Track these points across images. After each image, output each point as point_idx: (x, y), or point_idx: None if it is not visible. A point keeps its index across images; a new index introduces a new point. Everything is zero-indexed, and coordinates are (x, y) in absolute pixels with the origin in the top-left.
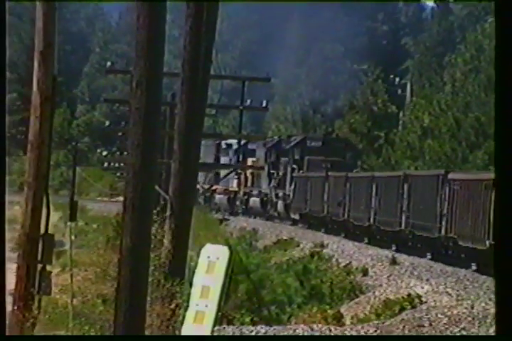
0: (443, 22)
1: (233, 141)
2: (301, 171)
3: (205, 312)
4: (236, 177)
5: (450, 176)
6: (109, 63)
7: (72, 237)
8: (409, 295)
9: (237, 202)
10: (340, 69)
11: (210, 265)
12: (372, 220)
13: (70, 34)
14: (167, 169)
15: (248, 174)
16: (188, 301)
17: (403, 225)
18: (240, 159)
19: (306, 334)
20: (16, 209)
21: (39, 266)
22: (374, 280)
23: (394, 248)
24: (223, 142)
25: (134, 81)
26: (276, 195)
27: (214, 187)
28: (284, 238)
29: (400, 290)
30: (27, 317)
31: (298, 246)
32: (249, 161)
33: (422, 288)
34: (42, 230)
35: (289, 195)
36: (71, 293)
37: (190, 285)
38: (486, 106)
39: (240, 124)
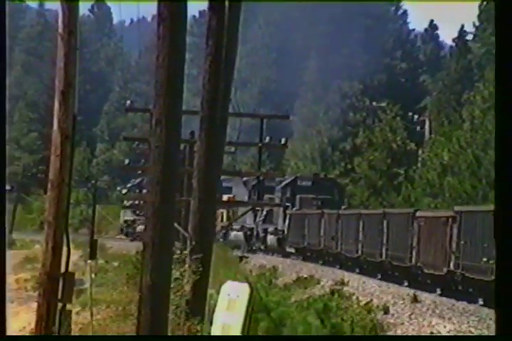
0: (461, 60)
1: None
2: (294, 208)
3: None
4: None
5: (417, 214)
6: (128, 102)
7: (93, 275)
8: (431, 333)
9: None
10: (358, 107)
11: (231, 302)
12: (360, 252)
13: (90, 74)
14: (186, 206)
15: (223, 209)
16: None
17: (384, 256)
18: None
19: None
20: (36, 248)
21: (59, 305)
22: (395, 318)
23: (379, 276)
24: None
25: (153, 119)
26: (265, 230)
27: None
28: (304, 276)
29: (422, 329)
30: None
31: (318, 283)
32: (225, 197)
33: (445, 327)
34: (62, 269)
35: (282, 230)
36: (91, 332)
37: (211, 323)
38: None
39: (259, 162)
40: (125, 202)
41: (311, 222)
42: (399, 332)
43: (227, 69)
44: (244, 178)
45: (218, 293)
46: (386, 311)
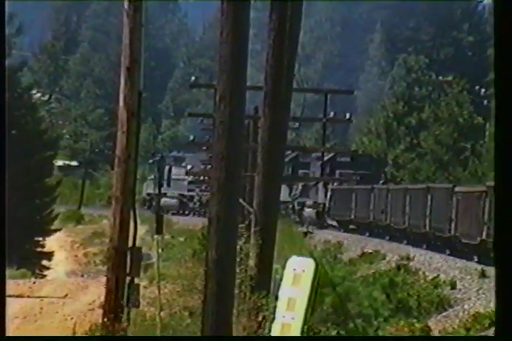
0: None
1: None
2: (335, 183)
3: (292, 325)
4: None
5: (456, 189)
6: (193, 78)
7: (159, 250)
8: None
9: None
10: (424, 81)
11: (296, 277)
12: (406, 224)
13: (155, 50)
14: (251, 182)
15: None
16: (274, 314)
17: (427, 227)
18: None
19: None
20: (104, 222)
21: (127, 279)
22: (463, 293)
23: (424, 246)
24: None
25: (217, 95)
26: (303, 204)
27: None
28: (369, 251)
29: (490, 304)
30: (117, 328)
31: (384, 258)
32: None
33: None
34: (130, 243)
35: (323, 204)
36: (159, 306)
37: (276, 297)
38: None
39: (324, 137)
40: (151, 176)
41: (360, 196)
42: (466, 307)
43: (291, 43)
44: None
45: (283, 268)
46: (453, 286)
